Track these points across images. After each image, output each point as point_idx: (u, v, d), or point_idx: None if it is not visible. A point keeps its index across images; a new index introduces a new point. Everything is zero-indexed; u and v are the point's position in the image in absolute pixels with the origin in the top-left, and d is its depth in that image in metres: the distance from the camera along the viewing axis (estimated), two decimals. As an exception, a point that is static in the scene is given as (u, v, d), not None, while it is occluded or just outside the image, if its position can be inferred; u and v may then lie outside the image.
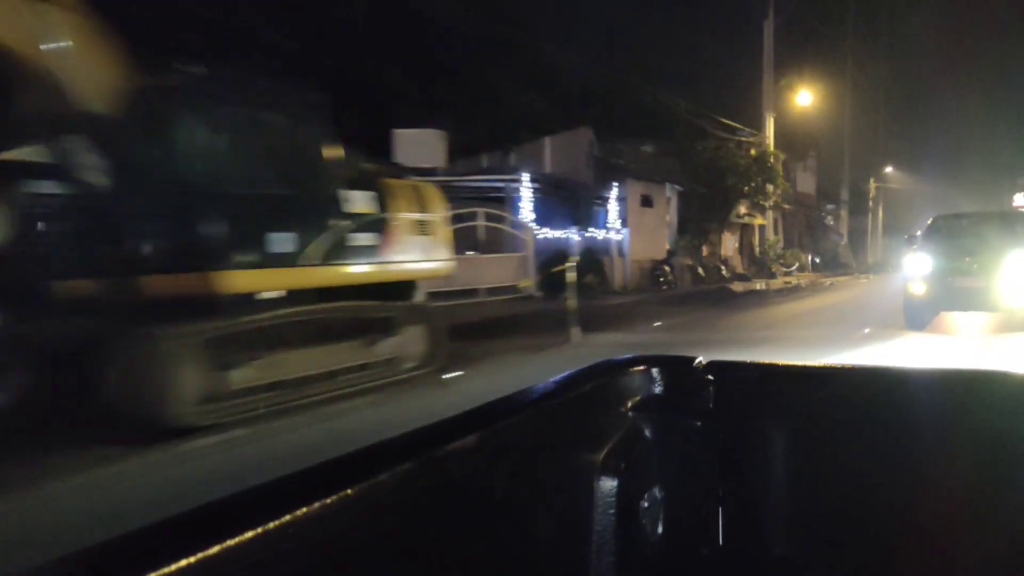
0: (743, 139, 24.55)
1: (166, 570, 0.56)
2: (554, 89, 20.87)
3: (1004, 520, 1.09)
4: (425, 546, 0.82)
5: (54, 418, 5.13)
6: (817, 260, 32.55)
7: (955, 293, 10.14)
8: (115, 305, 5.43)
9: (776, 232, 28.15)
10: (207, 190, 5.77)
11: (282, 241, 6.10)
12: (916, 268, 10.49)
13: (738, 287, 20.52)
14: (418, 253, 7.40)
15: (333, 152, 6.66)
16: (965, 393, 1.23)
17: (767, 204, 25.59)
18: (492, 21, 18.46)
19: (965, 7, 49.57)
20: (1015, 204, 53.14)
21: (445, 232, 7.93)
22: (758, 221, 26.92)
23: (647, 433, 1.20)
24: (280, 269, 6.13)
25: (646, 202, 20.57)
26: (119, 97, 5.55)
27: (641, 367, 1.26)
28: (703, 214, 23.16)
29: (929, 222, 12.63)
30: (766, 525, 1.22)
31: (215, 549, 0.59)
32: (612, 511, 1.07)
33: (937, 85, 50.93)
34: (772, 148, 24.82)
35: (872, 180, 43.11)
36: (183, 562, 0.57)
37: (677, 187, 22.15)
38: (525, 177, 16.50)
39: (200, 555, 0.58)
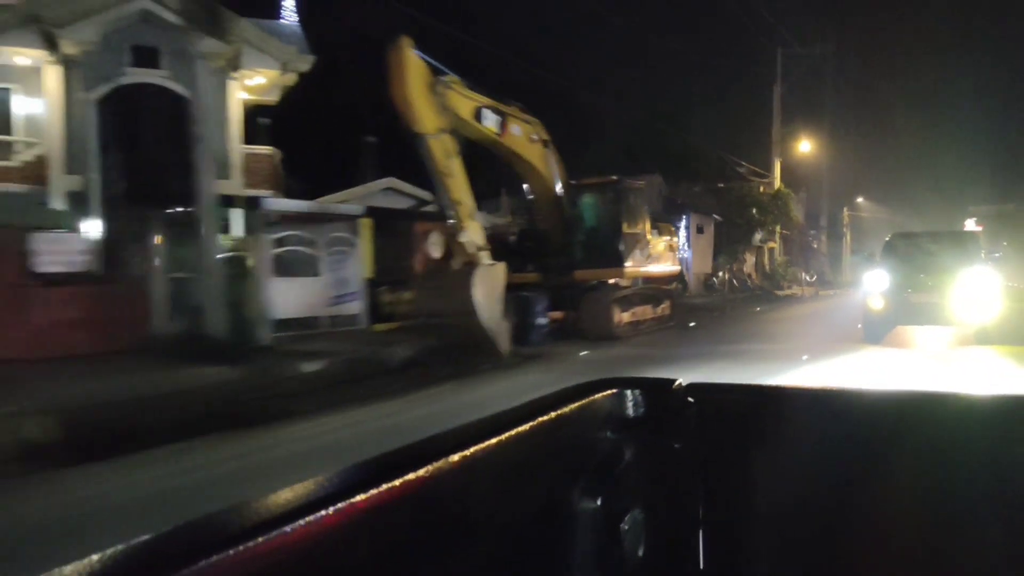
0: (761, 181, 31.47)
1: None
2: (631, 143, 27.62)
3: (975, 533, 1.13)
4: (403, 569, 0.81)
5: (562, 332, 11.62)
6: (807, 277, 39.60)
7: (910, 308, 10.40)
8: (581, 281, 12.05)
9: (782, 253, 35.11)
10: (612, 228, 12.44)
11: (635, 255, 12.75)
12: (874, 284, 10.79)
13: (777, 293, 27.34)
14: (673, 262, 14.20)
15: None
16: (939, 414, 1.26)
17: (778, 231, 32.53)
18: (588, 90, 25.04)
19: (923, 65, 57.86)
20: (964, 228, 61.09)
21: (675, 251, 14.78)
22: (769, 244, 33.80)
23: (628, 455, 1.20)
24: (633, 269, 12.76)
25: (699, 230, 27.35)
26: (567, 185, 12.21)
27: (620, 389, 1.26)
28: (733, 239, 29.94)
29: (886, 240, 13.06)
30: (747, 547, 1.24)
31: None
32: (593, 533, 1.07)
33: (899, 127, 58.87)
34: (781, 187, 31.76)
35: (845, 209, 50.46)
36: None
37: (716, 217, 28.97)
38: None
39: None
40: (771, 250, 34.01)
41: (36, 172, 15.09)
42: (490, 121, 10.80)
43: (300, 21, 18.08)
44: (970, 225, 60.47)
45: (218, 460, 5.52)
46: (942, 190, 63.02)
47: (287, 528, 0.67)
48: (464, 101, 10.25)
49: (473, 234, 10.12)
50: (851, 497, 1.20)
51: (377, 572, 0.77)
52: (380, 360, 10.09)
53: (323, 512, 0.70)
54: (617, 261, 12.27)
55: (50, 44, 14.48)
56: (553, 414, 1.10)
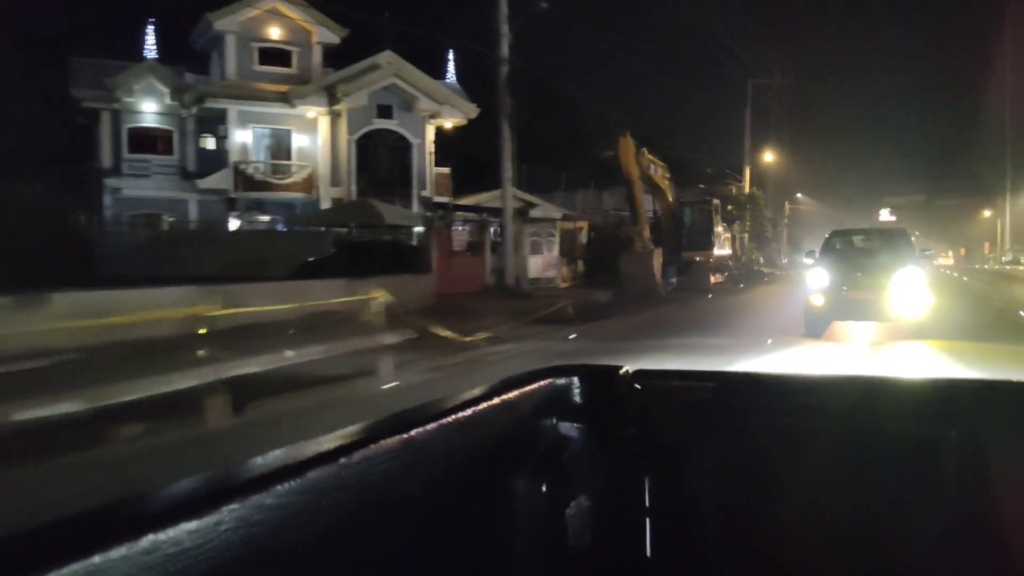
0: (735, 183, 40.73)
1: None
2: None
3: (913, 512, 1.16)
4: (342, 553, 0.81)
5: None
6: (762, 260, 49.22)
7: (849, 304, 10.76)
8: (688, 259, 20.95)
9: (750, 242, 44.64)
10: (705, 226, 21.36)
11: (716, 242, 21.68)
12: (815, 281, 11.29)
13: (764, 271, 36.61)
14: (731, 247, 23.21)
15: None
16: (877, 397, 1.29)
17: (748, 225, 41.94)
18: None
19: (852, 75, 68.81)
20: (880, 219, 71.98)
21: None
22: (744, 235, 43.26)
23: (574, 442, 1.20)
24: (716, 251, 21.66)
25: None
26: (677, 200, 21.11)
27: (567, 376, 1.26)
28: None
29: (826, 238, 13.57)
30: (694, 534, 1.24)
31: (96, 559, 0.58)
32: (537, 519, 1.08)
33: (832, 130, 69.75)
34: (751, 189, 41.08)
35: (787, 204, 60.58)
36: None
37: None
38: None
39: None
40: (742, 239, 43.42)
41: (308, 185, 23.06)
42: (653, 170, 19.65)
43: (458, 78, 26.14)
44: (883, 215, 72.37)
45: (611, 326, 14.01)
46: (866, 183, 74.79)
47: (224, 507, 0.67)
48: (646, 161, 19.00)
49: (647, 233, 18.86)
50: (798, 482, 1.21)
51: (314, 554, 0.77)
52: (594, 301, 18.62)
53: (259, 494, 0.71)
54: (709, 246, 21.13)
55: (332, 103, 22.44)
56: (497, 400, 1.10)
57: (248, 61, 22.45)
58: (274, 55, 22.84)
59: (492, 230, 20.57)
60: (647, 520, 1.23)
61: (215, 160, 22.94)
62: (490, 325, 11.84)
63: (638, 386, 1.32)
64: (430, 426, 0.97)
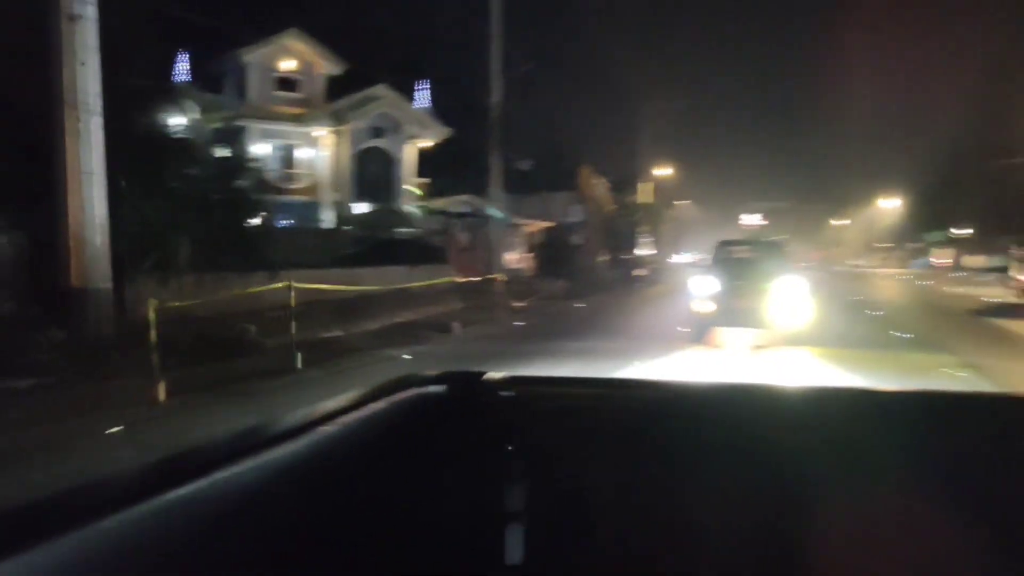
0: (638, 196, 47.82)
1: None
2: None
3: (786, 516, 1.18)
4: (198, 571, 0.79)
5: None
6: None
7: (731, 312, 11.28)
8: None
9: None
10: (621, 232, 27.68)
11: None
12: (700, 289, 11.82)
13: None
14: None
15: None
16: (743, 404, 1.31)
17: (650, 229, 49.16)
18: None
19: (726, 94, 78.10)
20: (740, 222, 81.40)
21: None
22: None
23: (437, 450, 1.19)
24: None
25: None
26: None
27: (432, 385, 1.25)
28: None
29: (713, 247, 13.93)
30: (562, 541, 1.22)
31: None
32: (400, 531, 1.07)
33: (710, 145, 78.65)
34: (650, 198, 48.26)
35: (667, 208, 68.54)
36: None
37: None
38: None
39: None
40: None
41: (311, 191, 28.03)
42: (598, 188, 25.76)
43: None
44: (744, 219, 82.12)
45: (591, 301, 20.06)
46: (730, 191, 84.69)
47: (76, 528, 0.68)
48: (594, 182, 25.06)
49: (593, 236, 25.02)
50: (669, 487, 1.20)
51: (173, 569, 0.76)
52: (561, 286, 24.59)
53: (117, 512, 0.71)
54: (633, 247, 27.47)
55: (339, 124, 27.49)
56: (357, 414, 1.09)
57: (266, 87, 27.22)
58: (286, 82, 27.69)
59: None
60: (513, 528, 1.20)
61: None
62: (523, 298, 17.63)
63: (502, 392, 1.31)
64: (288, 443, 0.95)
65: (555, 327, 13.64)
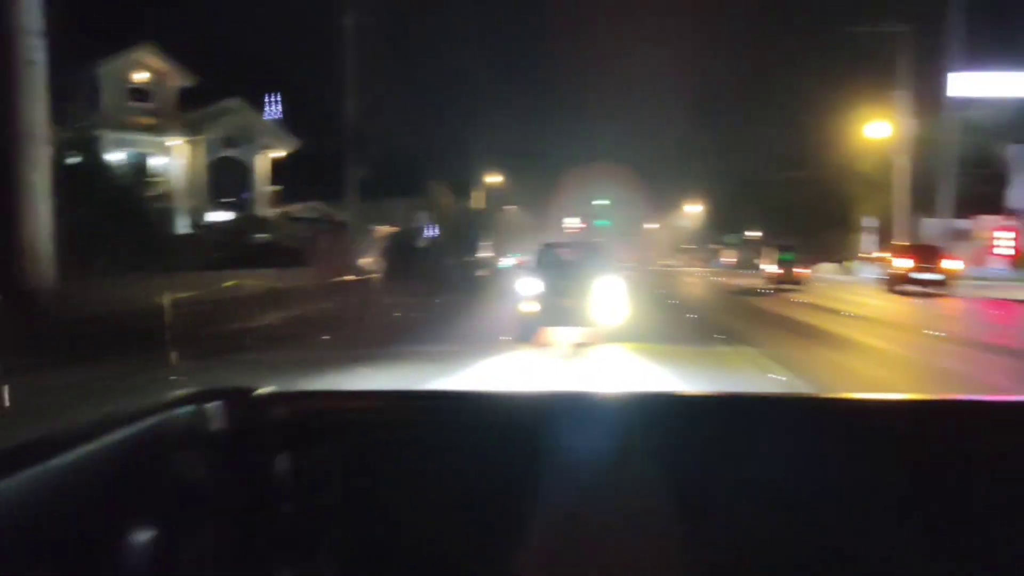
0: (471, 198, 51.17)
1: None
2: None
3: (606, 523, 1.17)
4: None
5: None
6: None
7: (556, 311, 11.55)
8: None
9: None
10: (465, 236, 30.77)
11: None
12: (526, 289, 12.00)
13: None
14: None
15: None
16: (549, 413, 1.30)
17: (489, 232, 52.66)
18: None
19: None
20: (563, 225, 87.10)
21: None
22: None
23: (199, 473, 1.13)
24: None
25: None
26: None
27: (193, 403, 1.17)
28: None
29: (537, 248, 14.51)
30: (337, 560, 1.19)
31: None
32: (164, 560, 1.01)
33: (538, 153, 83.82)
34: (484, 204, 51.72)
35: (497, 213, 72.65)
36: None
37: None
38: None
39: None
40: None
41: (167, 197, 29.19)
42: (445, 197, 28.63)
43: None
44: (566, 222, 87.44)
45: (444, 297, 23.05)
46: (554, 196, 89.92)
47: None
48: (441, 192, 27.90)
49: (440, 240, 27.90)
50: (456, 501, 1.19)
51: None
52: (415, 284, 27.27)
53: None
54: (476, 250, 30.49)
55: (195, 135, 28.80)
56: (118, 435, 1.01)
57: (120, 98, 28.14)
58: (140, 94, 28.69)
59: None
60: (281, 548, 1.16)
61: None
62: (386, 296, 20.25)
63: (274, 408, 1.25)
64: (39, 466, 0.88)
65: (422, 319, 16.29)
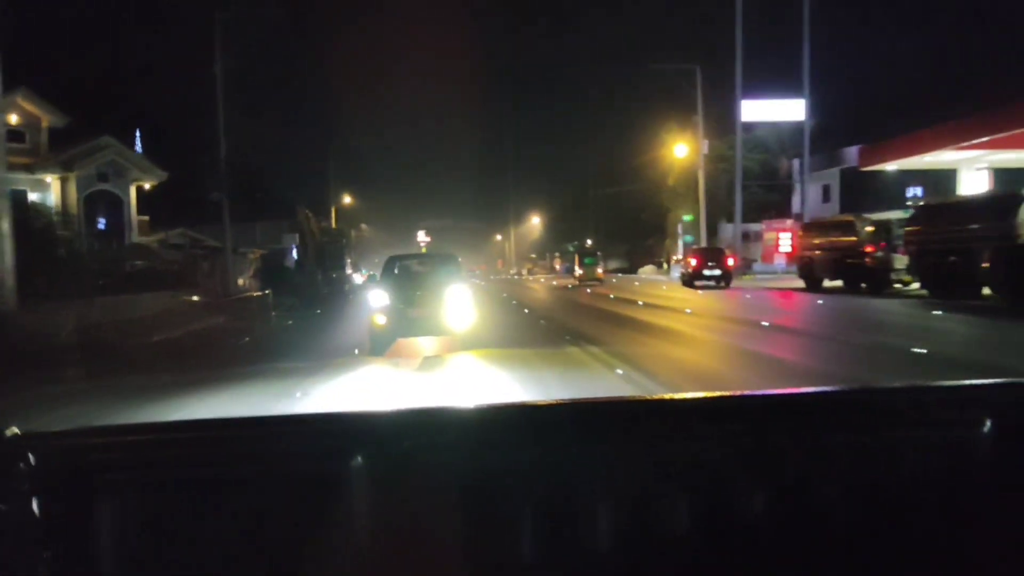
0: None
1: None
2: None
3: (458, 539, 1.14)
4: None
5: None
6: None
7: (409, 321, 11.71)
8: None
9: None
10: (330, 255, 34.31)
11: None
12: (377, 302, 11.92)
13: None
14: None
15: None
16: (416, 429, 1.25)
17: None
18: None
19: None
20: (418, 240, 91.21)
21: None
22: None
23: None
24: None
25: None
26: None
27: None
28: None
29: (385, 262, 14.26)
30: None
31: None
32: None
33: (389, 173, 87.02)
34: (336, 224, 54.80)
35: (353, 231, 75.67)
36: None
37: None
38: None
39: None
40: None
41: (49, 229, 31.00)
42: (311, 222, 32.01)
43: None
44: (420, 236, 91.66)
45: (324, 311, 26.53)
46: (407, 214, 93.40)
47: None
48: (308, 218, 31.24)
49: (311, 260, 31.33)
50: (255, 537, 1.13)
51: None
52: (288, 299, 30.43)
53: None
54: (343, 268, 33.96)
55: (66, 171, 30.78)
56: None
57: (-6, 139, 29.80)
58: (13, 134, 30.42)
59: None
60: None
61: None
62: (267, 312, 23.51)
63: (28, 451, 1.13)
64: None
65: (311, 328, 19.74)
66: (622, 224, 54.36)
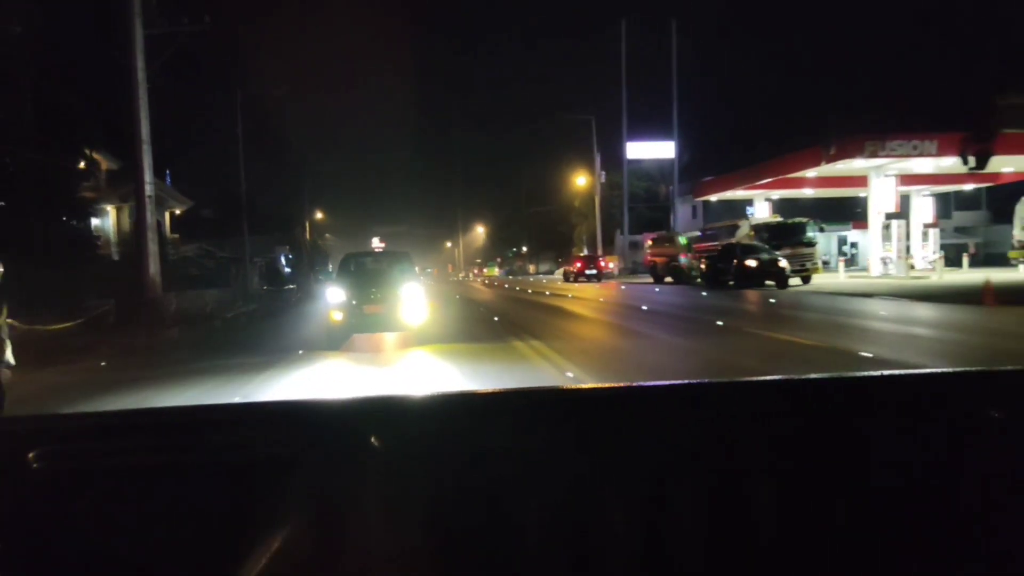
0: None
1: None
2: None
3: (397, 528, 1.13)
4: None
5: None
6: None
7: (365, 318, 12.08)
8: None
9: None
10: (316, 261, 45.74)
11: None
12: (333, 299, 12.26)
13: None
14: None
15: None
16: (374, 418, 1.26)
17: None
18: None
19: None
20: (373, 246, 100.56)
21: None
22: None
23: None
24: None
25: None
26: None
27: None
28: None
29: (340, 260, 14.92)
30: None
31: None
32: None
33: (351, 186, 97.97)
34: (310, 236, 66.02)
35: (321, 240, 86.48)
36: None
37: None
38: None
39: None
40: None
41: (106, 246, 42.06)
42: (310, 237, 43.37)
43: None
44: (376, 242, 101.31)
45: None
46: (355, 217, 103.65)
47: None
48: (306, 232, 42.65)
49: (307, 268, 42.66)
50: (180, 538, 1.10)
51: None
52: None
53: None
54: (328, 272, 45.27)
55: (121, 203, 41.81)
56: None
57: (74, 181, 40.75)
58: (82, 175, 41.39)
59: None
60: None
61: None
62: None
63: None
64: None
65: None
66: (551, 235, 66.60)
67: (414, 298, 12.36)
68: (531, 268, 53.06)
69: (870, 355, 9.08)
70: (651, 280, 37.85)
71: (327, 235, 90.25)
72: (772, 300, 20.10)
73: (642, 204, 52.62)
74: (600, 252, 50.42)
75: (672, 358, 10.18)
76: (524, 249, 71.45)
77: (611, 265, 43.97)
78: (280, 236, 51.22)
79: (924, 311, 15.39)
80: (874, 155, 26.07)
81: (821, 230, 29.58)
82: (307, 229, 66.40)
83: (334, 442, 1.19)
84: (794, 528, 1.16)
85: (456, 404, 1.35)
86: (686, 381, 1.40)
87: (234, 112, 39.16)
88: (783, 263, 25.59)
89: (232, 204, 49.86)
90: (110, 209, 42.58)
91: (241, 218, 46.57)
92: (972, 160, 17.95)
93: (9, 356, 6.22)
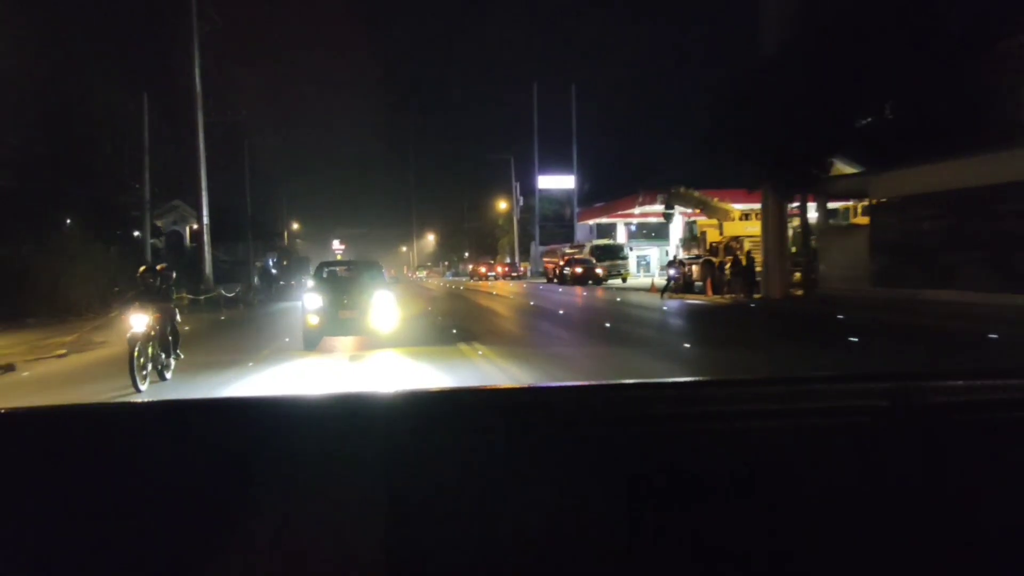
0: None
1: None
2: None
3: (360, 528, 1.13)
4: None
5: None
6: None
7: (338, 322, 12.79)
8: None
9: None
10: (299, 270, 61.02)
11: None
12: (309, 303, 12.91)
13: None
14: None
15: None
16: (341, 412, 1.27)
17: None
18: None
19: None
20: (333, 248, 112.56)
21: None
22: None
23: None
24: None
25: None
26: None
27: None
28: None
29: (315, 268, 15.87)
30: None
31: None
32: None
33: (316, 191, 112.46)
34: (287, 242, 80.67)
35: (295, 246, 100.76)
36: None
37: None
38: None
39: None
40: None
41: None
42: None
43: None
44: (335, 245, 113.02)
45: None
46: (323, 221, 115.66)
47: None
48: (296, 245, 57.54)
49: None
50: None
51: None
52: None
53: None
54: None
55: (155, 221, 56.46)
56: None
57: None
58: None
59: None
60: None
61: None
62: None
63: None
64: None
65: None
66: (485, 244, 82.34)
67: (385, 305, 13.08)
68: (470, 270, 69.44)
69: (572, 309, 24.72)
70: (545, 280, 53.46)
71: (298, 240, 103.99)
72: (584, 292, 36.01)
73: (551, 223, 68.57)
74: (518, 259, 66.25)
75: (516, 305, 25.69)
76: (467, 254, 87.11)
77: (524, 268, 60.01)
78: (263, 244, 65.98)
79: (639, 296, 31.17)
80: (663, 203, 42.00)
81: (631, 249, 46.02)
82: (284, 237, 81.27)
83: (295, 439, 1.20)
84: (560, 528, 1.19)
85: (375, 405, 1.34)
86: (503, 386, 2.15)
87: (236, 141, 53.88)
88: (598, 270, 41.79)
89: (225, 216, 64.61)
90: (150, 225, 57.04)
91: (238, 228, 61.35)
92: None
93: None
